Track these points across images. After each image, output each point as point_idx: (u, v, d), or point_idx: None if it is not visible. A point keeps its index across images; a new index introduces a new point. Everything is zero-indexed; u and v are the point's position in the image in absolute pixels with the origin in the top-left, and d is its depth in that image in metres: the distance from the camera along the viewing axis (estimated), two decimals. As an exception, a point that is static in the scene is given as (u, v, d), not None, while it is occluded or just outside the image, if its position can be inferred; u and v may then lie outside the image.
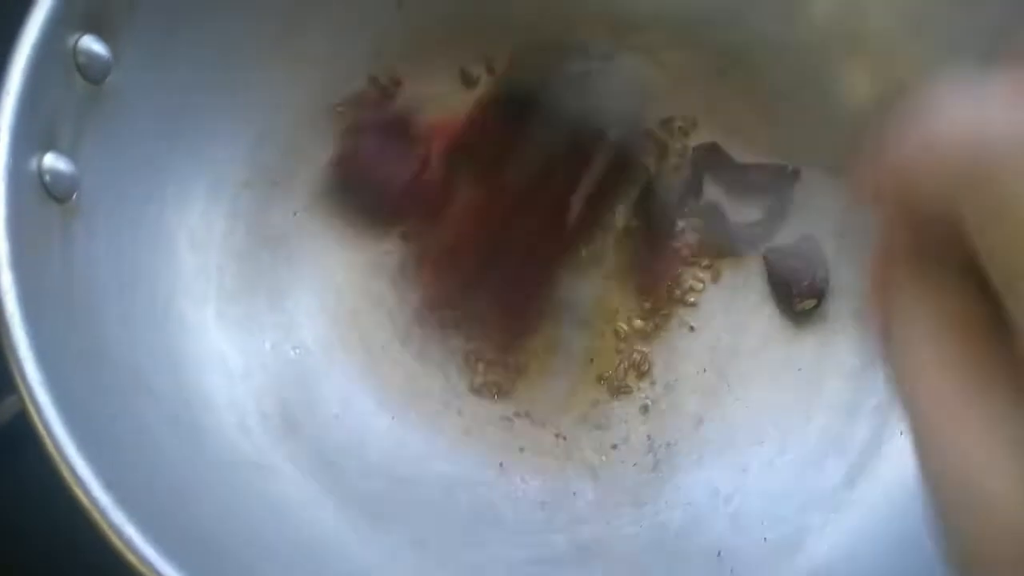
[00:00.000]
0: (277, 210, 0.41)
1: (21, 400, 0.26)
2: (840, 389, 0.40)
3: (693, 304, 0.42)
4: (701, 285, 0.43)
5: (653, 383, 0.41)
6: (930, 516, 0.17)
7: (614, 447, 0.40)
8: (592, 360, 0.41)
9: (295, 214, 0.42)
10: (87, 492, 0.25)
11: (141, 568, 0.24)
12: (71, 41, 0.32)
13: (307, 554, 0.33)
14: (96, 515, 0.25)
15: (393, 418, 0.39)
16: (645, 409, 0.41)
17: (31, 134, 0.30)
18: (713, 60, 0.45)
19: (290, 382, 0.39)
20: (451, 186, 0.39)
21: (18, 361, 0.26)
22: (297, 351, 0.39)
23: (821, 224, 0.43)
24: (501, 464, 0.39)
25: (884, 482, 0.37)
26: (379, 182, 0.41)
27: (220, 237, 0.39)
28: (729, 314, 0.43)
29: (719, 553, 0.37)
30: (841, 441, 0.39)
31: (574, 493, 0.39)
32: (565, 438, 0.40)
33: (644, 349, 0.42)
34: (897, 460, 0.38)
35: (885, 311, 0.17)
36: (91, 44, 0.33)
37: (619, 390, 0.41)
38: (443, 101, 0.44)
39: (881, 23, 0.40)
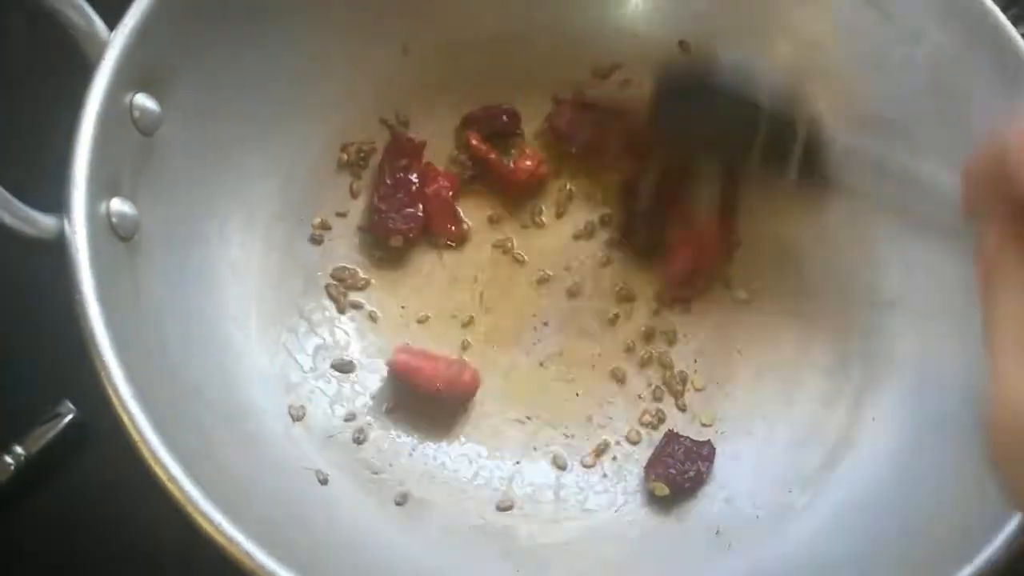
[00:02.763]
0: (304, 241, 0.46)
1: (116, 414, 0.30)
2: (817, 383, 0.45)
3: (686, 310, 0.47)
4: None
5: (649, 384, 0.46)
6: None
7: (617, 443, 0.44)
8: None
9: (322, 244, 0.46)
10: (181, 488, 0.29)
11: (231, 549, 0.28)
12: (128, 99, 0.36)
13: (355, 547, 0.37)
14: (190, 507, 0.29)
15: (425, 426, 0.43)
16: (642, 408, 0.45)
17: (100, 182, 0.34)
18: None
19: (327, 395, 0.43)
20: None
21: (112, 381, 0.30)
22: (332, 368, 0.44)
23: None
24: (518, 462, 0.43)
25: (859, 463, 0.42)
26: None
27: (257, 267, 0.43)
28: (714, 317, 0.47)
29: (717, 531, 0.41)
30: (820, 429, 0.44)
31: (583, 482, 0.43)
32: (573, 436, 0.44)
33: (650, 349, 0.46)
34: (870, 444, 0.42)
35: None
36: (144, 101, 0.37)
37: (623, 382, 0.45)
38: (447, 138, 0.49)
39: (839, 65, 0.45)
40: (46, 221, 0.33)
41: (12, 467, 0.42)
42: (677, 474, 0.41)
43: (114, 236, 0.35)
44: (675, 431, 0.43)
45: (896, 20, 0.44)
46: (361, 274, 0.46)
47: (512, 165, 0.48)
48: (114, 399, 0.30)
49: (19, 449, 0.43)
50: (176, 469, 0.29)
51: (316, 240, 0.46)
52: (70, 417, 0.43)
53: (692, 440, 0.43)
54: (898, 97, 0.45)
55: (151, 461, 0.29)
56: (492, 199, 0.49)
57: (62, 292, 0.44)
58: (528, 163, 0.48)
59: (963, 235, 0.42)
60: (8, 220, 0.31)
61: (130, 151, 0.37)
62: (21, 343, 0.46)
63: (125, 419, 0.30)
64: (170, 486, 0.29)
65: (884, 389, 0.43)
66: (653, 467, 0.42)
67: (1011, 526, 0.33)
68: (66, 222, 0.33)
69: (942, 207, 0.35)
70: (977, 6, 0.41)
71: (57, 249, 0.33)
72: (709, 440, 0.43)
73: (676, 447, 0.42)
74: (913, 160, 0.39)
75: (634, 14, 0.50)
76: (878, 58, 0.45)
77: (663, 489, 0.41)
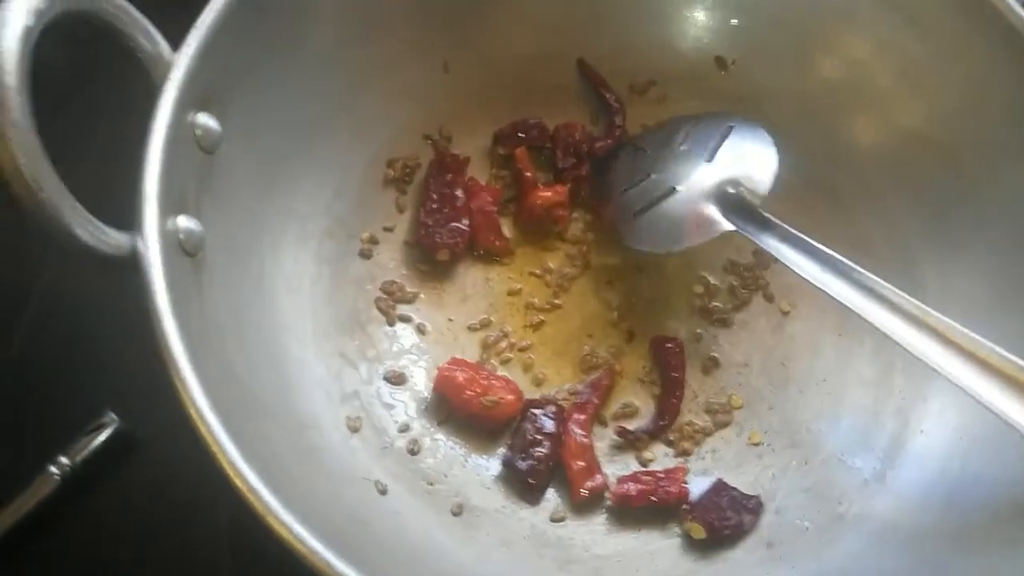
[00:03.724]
0: (354, 256, 0.46)
1: (193, 422, 0.30)
2: (862, 395, 0.45)
3: (728, 326, 0.48)
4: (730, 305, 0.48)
5: (696, 397, 0.46)
6: None
7: (665, 455, 0.45)
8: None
9: (370, 258, 0.47)
10: (258, 496, 0.29)
11: (301, 550, 0.29)
12: (191, 118, 0.37)
13: (418, 557, 0.38)
14: (270, 518, 0.29)
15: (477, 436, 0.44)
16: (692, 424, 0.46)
17: (168, 199, 0.35)
18: (723, 106, 0.51)
19: (381, 406, 0.43)
20: None
21: (190, 395, 0.31)
22: (384, 379, 0.44)
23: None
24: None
25: (909, 475, 0.42)
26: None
27: (310, 281, 0.44)
28: (755, 333, 0.48)
29: (769, 544, 0.41)
30: (867, 441, 0.44)
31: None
32: (621, 448, 0.45)
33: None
34: (920, 457, 0.43)
35: None
36: (206, 120, 0.38)
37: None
38: (485, 153, 0.50)
39: (885, 84, 0.46)
40: (119, 238, 0.33)
41: (57, 477, 0.43)
42: (717, 520, 0.41)
43: (181, 252, 0.35)
44: (723, 480, 0.43)
45: (935, 37, 0.45)
46: (408, 288, 0.47)
47: (537, 192, 0.48)
48: (193, 413, 0.31)
49: (64, 460, 0.43)
50: (255, 480, 0.30)
51: (365, 254, 0.47)
52: (114, 427, 0.44)
53: (740, 492, 0.42)
54: (939, 115, 0.45)
55: (231, 473, 0.30)
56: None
57: (104, 306, 0.46)
58: (548, 194, 0.48)
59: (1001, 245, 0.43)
60: (85, 238, 0.32)
61: (194, 169, 0.37)
62: (64, 356, 0.47)
63: (204, 432, 0.30)
64: (250, 497, 0.29)
65: (930, 400, 0.44)
66: (694, 509, 0.42)
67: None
68: (139, 239, 0.33)
69: None
70: (1018, 22, 0.42)
71: (128, 267, 0.33)
72: (758, 496, 0.43)
73: (722, 495, 0.42)
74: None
75: (672, 30, 0.51)
76: (918, 76, 0.46)
77: (700, 532, 0.41)
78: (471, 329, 0.47)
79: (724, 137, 0.46)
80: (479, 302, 0.47)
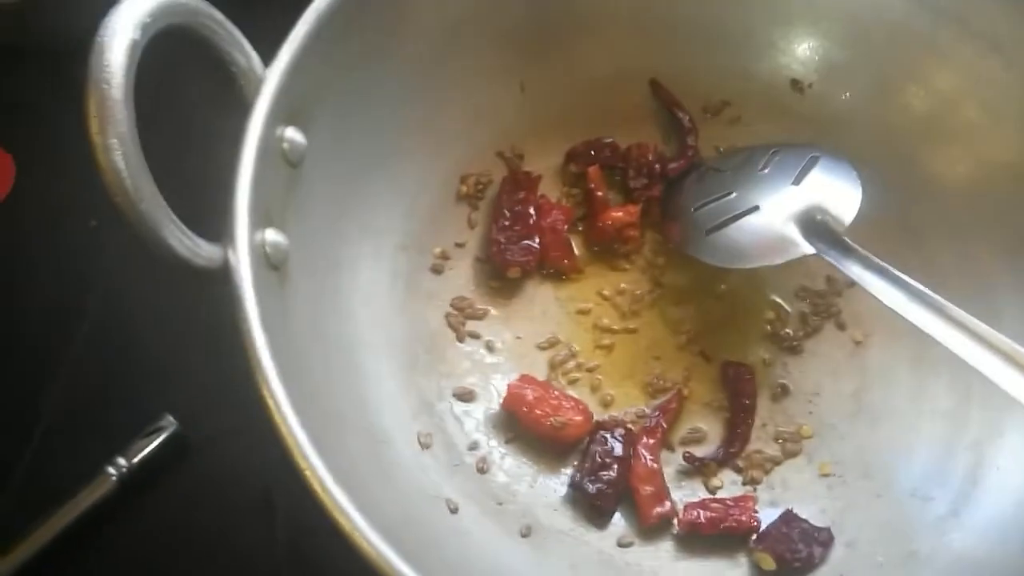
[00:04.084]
0: (426, 271, 0.47)
1: (281, 437, 0.31)
2: (936, 428, 0.45)
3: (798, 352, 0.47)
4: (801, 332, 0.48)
5: (764, 425, 0.46)
6: None
7: (733, 482, 0.45)
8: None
9: (442, 273, 0.47)
10: (345, 514, 0.30)
11: (387, 570, 0.29)
12: (279, 132, 0.38)
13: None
14: (356, 536, 0.29)
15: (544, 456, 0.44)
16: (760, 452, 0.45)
17: (257, 213, 0.35)
18: (798, 130, 0.50)
19: (452, 423, 0.43)
20: None
21: (279, 407, 0.31)
22: (454, 396, 0.45)
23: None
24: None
25: (985, 512, 0.41)
26: None
27: (384, 295, 0.44)
28: (826, 361, 0.47)
29: (840, 576, 0.41)
30: (942, 475, 0.43)
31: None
32: (689, 475, 0.45)
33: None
34: (997, 493, 0.42)
35: None
36: (293, 134, 0.38)
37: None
38: (558, 171, 0.50)
39: (968, 115, 0.46)
40: (211, 251, 0.34)
41: (114, 478, 0.43)
42: (787, 551, 0.41)
43: (268, 265, 0.36)
44: (793, 511, 0.42)
45: (1019, 65, 0.44)
46: (478, 304, 0.47)
47: (608, 211, 0.48)
48: (282, 428, 0.31)
49: (121, 461, 0.44)
50: (343, 499, 0.30)
51: (437, 270, 0.47)
52: (171, 431, 0.45)
53: (811, 524, 0.42)
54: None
55: (319, 490, 0.30)
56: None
57: (165, 310, 0.47)
58: (619, 214, 0.48)
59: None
60: (180, 250, 0.33)
61: (280, 182, 0.38)
62: (124, 359, 0.48)
63: (292, 448, 0.30)
64: (338, 515, 0.30)
65: (1007, 434, 0.43)
66: (763, 539, 0.41)
67: None
68: (230, 251, 0.34)
69: None
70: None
71: (218, 279, 0.34)
72: (829, 528, 0.42)
73: (792, 527, 0.42)
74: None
75: (747, 52, 0.51)
76: (1002, 106, 0.45)
77: (769, 563, 0.40)
78: (539, 347, 0.47)
79: (810, 166, 0.45)
80: (548, 321, 0.47)
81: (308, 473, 0.30)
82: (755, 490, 0.44)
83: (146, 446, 0.44)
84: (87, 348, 0.48)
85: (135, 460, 0.44)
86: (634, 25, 0.49)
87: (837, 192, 0.44)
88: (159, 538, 0.44)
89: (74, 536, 0.43)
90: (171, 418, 0.45)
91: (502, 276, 0.47)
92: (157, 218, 0.32)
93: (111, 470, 0.43)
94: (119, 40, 0.31)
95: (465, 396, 0.45)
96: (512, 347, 0.47)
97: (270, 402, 0.31)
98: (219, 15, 0.36)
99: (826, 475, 0.44)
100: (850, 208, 0.43)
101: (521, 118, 0.50)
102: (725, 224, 0.46)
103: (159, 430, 0.45)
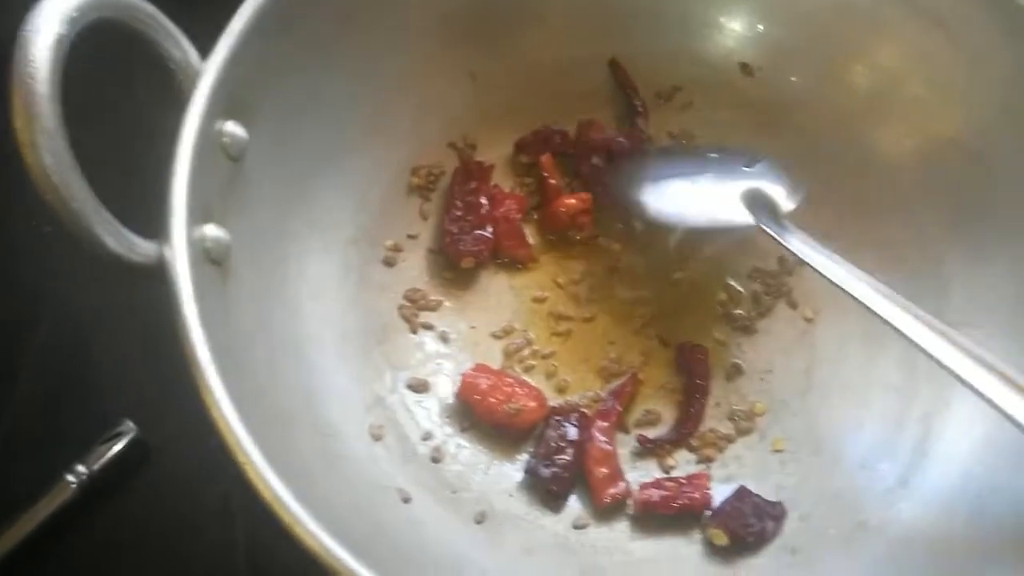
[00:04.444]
0: (378, 263, 0.47)
1: (220, 432, 0.30)
2: (886, 402, 0.45)
3: (751, 332, 0.47)
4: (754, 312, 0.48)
5: (717, 404, 0.46)
6: None
7: (687, 462, 0.45)
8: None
9: (394, 266, 0.47)
10: (284, 506, 0.29)
11: (329, 561, 0.29)
12: (218, 126, 0.37)
13: (444, 565, 0.38)
14: (298, 528, 0.29)
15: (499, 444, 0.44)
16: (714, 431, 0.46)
17: (195, 208, 0.35)
18: (749, 113, 0.51)
19: (404, 414, 0.43)
20: None
21: (216, 402, 0.31)
22: (407, 387, 0.44)
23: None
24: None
25: (933, 482, 0.42)
26: None
27: (334, 289, 0.44)
28: (778, 339, 0.48)
29: (793, 550, 0.41)
30: (891, 447, 0.44)
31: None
32: (642, 455, 0.45)
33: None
34: (944, 463, 0.42)
35: None
36: (233, 128, 0.38)
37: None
38: (510, 160, 0.50)
39: (913, 92, 0.46)
40: (147, 247, 0.34)
41: (75, 485, 0.43)
42: (740, 526, 0.41)
43: (208, 261, 0.36)
44: (746, 487, 0.43)
45: (963, 42, 0.44)
46: (432, 295, 0.47)
47: (561, 199, 0.48)
48: (220, 422, 0.31)
49: (81, 468, 0.43)
50: (282, 490, 0.30)
51: (389, 262, 0.47)
52: (131, 436, 0.44)
53: (763, 499, 0.42)
54: (969, 122, 0.45)
55: (258, 484, 0.30)
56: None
57: (121, 315, 0.47)
58: (572, 201, 0.48)
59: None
60: (115, 247, 0.32)
61: (220, 177, 0.38)
62: (82, 365, 0.47)
63: (231, 441, 0.30)
64: (278, 507, 0.29)
65: (953, 408, 0.43)
66: (717, 516, 0.42)
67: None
68: (166, 248, 0.33)
69: None
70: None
71: (155, 275, 0.34)
72: (781, 502, 0.42)
73: (745, 502, 0.42)
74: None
75: (697, 37, 0.51)
76: (947, 83, 0.45)
77: (722, 538, 0.41)
78: (494, 336, 0.47)
79: (755, 161, 0.47)
80: (503, 310, 0.47)
81: (247, 467, 0.30)
82: (709, 468, 0.44)
83: (106, 452, 0.44)
84: (43, 356, 0.48)
85: (95, 467, 0.44)
86: (582, 11, 0.49)
87: (778, 188, 0.45)
88: (121, 545, 0.44)
89: (35, 544, 0.43)
90: (130, 423, 0.45)
91: (456, 267, 0.47)
92: (89, 215, 0.32)
93: (71, 477, 0.43)
94: (44, 35, 0.31)
95: (419, 387, 0.45)
96: (467, 337, 0.47)
97: (206, 395, 0.31)
98: (151, 8, 0.35)
99: (779, 451, 0.45)
100: (789, 204, 0.45)
101: (472, 108, 0.50)
102: (674, 176, 0.46)
103: (118, 435, 0.44)
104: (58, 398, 0.47)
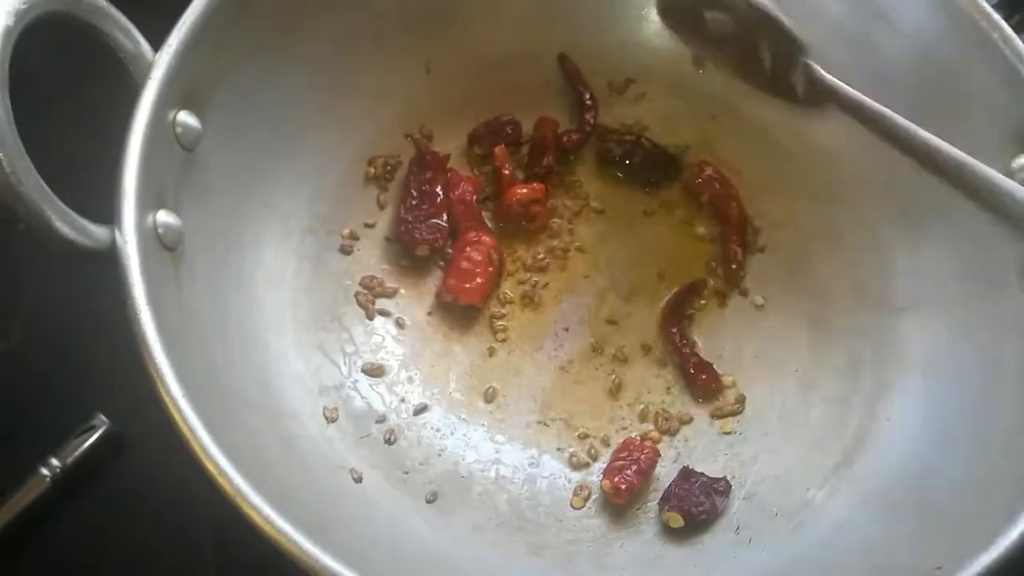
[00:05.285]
0: (334, 251, 0.47)
1: (168, 413, 0.31)
2: (832, 385, 0.46)
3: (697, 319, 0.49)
4: (703, 303, 0.49)
5: (669, 389, 0.47)
6: None
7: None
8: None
9: (351, 254, 0.48)
10: (228, 478, 0.30)
11: (271, 532, 0.30)
12: (171, 116, 0.38)
13: (391, 542, 0.39)
14: (240, 500, 0.30)
15: (452, 427, 0.45)
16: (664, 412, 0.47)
17: (147, 195, 0.36)
18: (701, 105, 0.52)
19: (359, 398, 0.44)
20: None
21: (163, 381, 0.32)
22: (362, 372, 0.45)
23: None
24: (538, 463, 0.45)
25: (875, 462, 0.43)
26: None
27: (290, 276, 0.45)
28: (731, 323, 0.49)
29: (737, 529, 0.42)
30: (836, 429, 0.45)
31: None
32: (593, 437, 0.46)
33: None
34: (885, 443, 0.43)
35: None
36: (186, 118, 0.39)
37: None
38: (468, 150, 0.51)
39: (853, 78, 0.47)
40: (98, 232, 0.34)
41: (48, 479, 0.43)
42: (692, 506, 0.42)
43: (160, 246, 0.36)
44: (690, 467, 0.44)
45: (903, 32, 0.46)
46: (388, 283, 0.48)
47: (514, 188, 0.49)
48: (165, 399, 0.32)
49: (55, 462, 0.44)
50: (226, 464, 0.31)
51: (345, 250, 0.48)
52: (103, 429, 0.45)
53: (708, 476, 0.43)
54: (908, 112, 0.46)
55: (202, 457, 0.31)
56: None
57: (93, 309, 0.47)
58: (524, 191, 0.49)
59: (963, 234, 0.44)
60: (65, 231, 0.33)
61: (173, 166, 0.38)
62: (54, 359, 0.48)
63: (176, 418, 0.31)
64: (220, 480, 0.30)
65: (897, 390, 0.45)
66: (667, 500, 0.43)
67: (1018, 531, 0.34)
68: (117, 233, 0.34)
69: None
70: (981, 15, 0.43)
71: (107, 260, 0.34)
72: (725, 477, 0.43)
73: (692, 482, 0.43)
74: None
75: (648, 30, 0.52)
76: (889, 73, 0.47)
77: (678, 520, 0.42)
78: (449, 323, 0.48)
79: None
80: (458, 296, 0.48)
81: (192, 442, 0.31)
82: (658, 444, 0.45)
83: (79, 446, 0.44)
84: (16, 350, 0.48)
85: (69, 460, 0.44)
86: (534, 4, 0.51)
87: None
88: (96, 537, 0.45)
89: (9, 538, 0.43)
90: (103, 417, 0.45)
91: (411, 255, 0.48)
92: (39, 200, 0.32)
93: (45, 471, 0.43)
94: (-8, 27, 0.31)
95: (373, 371, 0.45)
96: (422, 324, 0.48)
97: (153, 374, 0.32)
98: (102, 1, 0.36)
99: (727, 433, 0.46)
100: None
101: (428, 99, 0.51)
102: None
103: (92, 429, 0.45)
104: (31, 392, 0.47)
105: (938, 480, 0.40)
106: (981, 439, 0.40)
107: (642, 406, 0.46)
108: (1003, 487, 0.37)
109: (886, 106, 0.46)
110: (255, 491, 0.30)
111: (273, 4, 0.42)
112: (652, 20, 0.52)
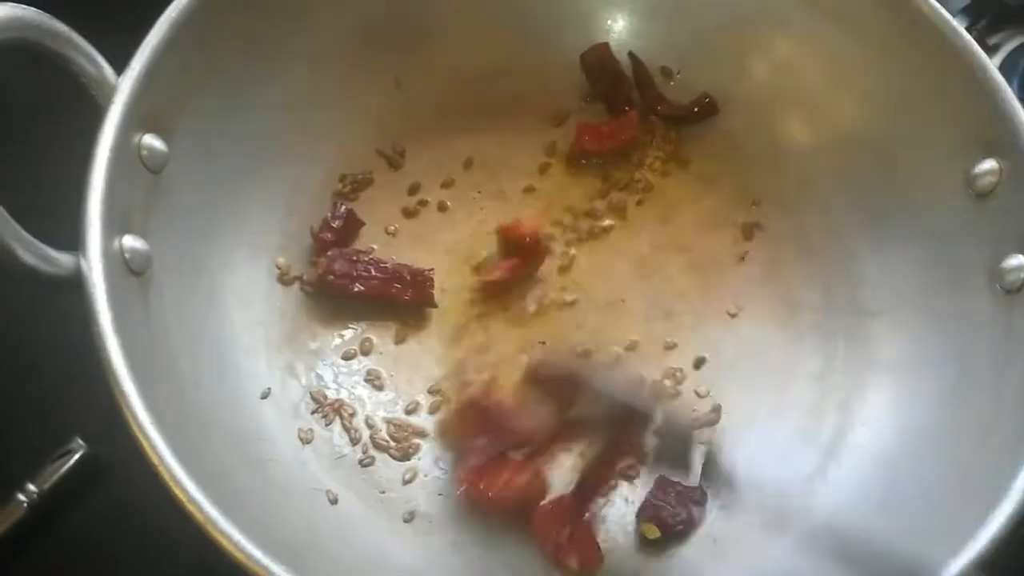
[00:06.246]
0: (307, 270, 0.47)
1: (136, 439, 0.31)
2: (805, 391, 0.47)
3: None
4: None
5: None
6: None
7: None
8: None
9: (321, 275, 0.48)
10: (200, 508, 0.30)
11: (250, 566, 0.29)
12: (136, 139, 0.38)
13: (368, 563, 0.38)
14: (209, 527, 0.30)
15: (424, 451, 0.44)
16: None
17: (113, 219, 0.36)
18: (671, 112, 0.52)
19: (331, 418, 0.44)
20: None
21: (131, 408, 0.31)
22: (337, 391, 0.45)
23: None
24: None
25: (850, 467, 0.43)
26: None
27: (262, 297, 0.45)
28: (705, 332, 0.49)
29: (714, 540, 0.42)
30: (811, 435, 0.45)
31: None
32: (571, 451, 0.45)
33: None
34: (860, 449, 0.44)
35: None
36: (152, 141, 0.39)
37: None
38: (440, 166, 0.51)
39: (815, 83, 0.48)
40: (63, 259, 0.34)
41: (25, 504, 0.43)
42: (668, 516, 0.42)
43: (127, 271, 0.36)
44: (665, 476, 0.43)
45: (862, 36, 0.46)
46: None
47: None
48: (133, 425, 0.31)
49: (31, 487, 0.43)
50: (195, 490, 0.30)
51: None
52: (80, 453, 0.44)
53: (683, 485, 0.43)
54: (871, 115, 0.47)
55: (171, 483, 0.30)
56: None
57: (69, 332, 0.46)
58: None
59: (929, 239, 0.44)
60: (29, 259, 0.33)
61: (140, 189, 0.38)
62: (30, 383, 0.47)
63: (144, 444, 0.31)
64: (190, 507, 0.30)
65: (870, 395, 0.45)
66: (645, 510, 0.43)
67: (996, 524, 0.35)
68: (82, 259, 0.34)
69: None
70: (941, 22, 0.43)
71: (74, 287, 0.34)
72: (700, 486, 0.43)
73: (668, 492, 0.43)
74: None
75: (616, 44, 0.52)
76: (849, 76, 0.47)
77: (654, 531, 0.42)
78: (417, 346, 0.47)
79: None
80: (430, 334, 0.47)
81: (160, 467, 0.31)
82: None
83: (57, 470, 0.44)
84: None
85: (46, 485, 0.43)
86: (502, 19, 0.51)
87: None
88: (74, 562, 0.44)
89: None
90: (80, 441, 0.44)
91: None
92: (1, 230, 0.32)
93: (21, 496, 0.43)
94: (-50, 55, 0.31)
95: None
96: (391, 343, 0.47)
97: (120, 400, 0.31)
98: (62, 27, 0.36)
99: (702, 443, 0.46)
100: None
101: (399, 115, 0.50)
102: None
103: (69, 453, 0.44)
104: (6, 417, 0.46)
105: (914, 481, 0.41)
106: (956, 437, 0.40)
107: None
108: (980, 484, 0.37)
109: (849, 107, 0.47)
110: (226, 517, 0.30)
111: (234, 25, 0.42)
112: (620, 33, 0.52)
